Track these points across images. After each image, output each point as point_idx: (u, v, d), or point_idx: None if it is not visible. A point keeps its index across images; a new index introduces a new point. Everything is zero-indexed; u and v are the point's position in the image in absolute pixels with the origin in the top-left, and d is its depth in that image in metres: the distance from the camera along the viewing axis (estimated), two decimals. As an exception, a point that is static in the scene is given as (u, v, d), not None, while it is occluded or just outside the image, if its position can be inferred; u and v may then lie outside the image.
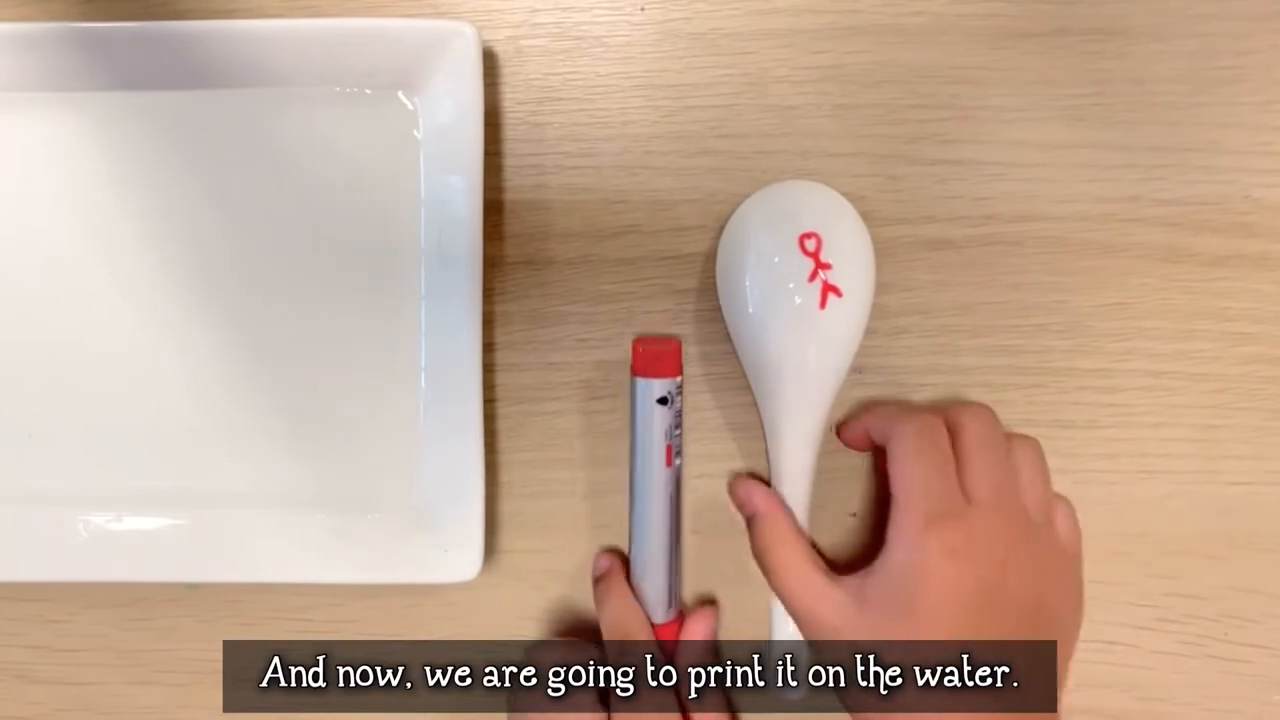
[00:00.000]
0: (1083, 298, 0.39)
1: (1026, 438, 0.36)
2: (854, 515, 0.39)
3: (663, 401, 0.36)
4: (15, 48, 0.36)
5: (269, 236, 0.38)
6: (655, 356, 0.36)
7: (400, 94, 0.37)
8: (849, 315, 0.36)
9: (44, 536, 0.38)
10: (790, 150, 0.38)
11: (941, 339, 0.39)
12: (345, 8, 0.38)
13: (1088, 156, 0.38)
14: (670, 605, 0.37)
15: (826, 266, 0.35)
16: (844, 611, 0.32)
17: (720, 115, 0.38)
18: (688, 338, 0.39)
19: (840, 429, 0.38)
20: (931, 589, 0.31)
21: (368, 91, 0.37)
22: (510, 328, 0.39)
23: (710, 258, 0.38)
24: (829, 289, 0.35)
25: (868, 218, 0.38)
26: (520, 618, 0.39)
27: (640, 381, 0.36)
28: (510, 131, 0.38)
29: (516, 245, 0.39)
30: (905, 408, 0.38)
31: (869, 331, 0.38)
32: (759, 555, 0.36)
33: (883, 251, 0.38)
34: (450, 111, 0.36)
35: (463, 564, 0.37)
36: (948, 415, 0.35)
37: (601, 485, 0.39)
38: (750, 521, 0.37)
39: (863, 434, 0.37)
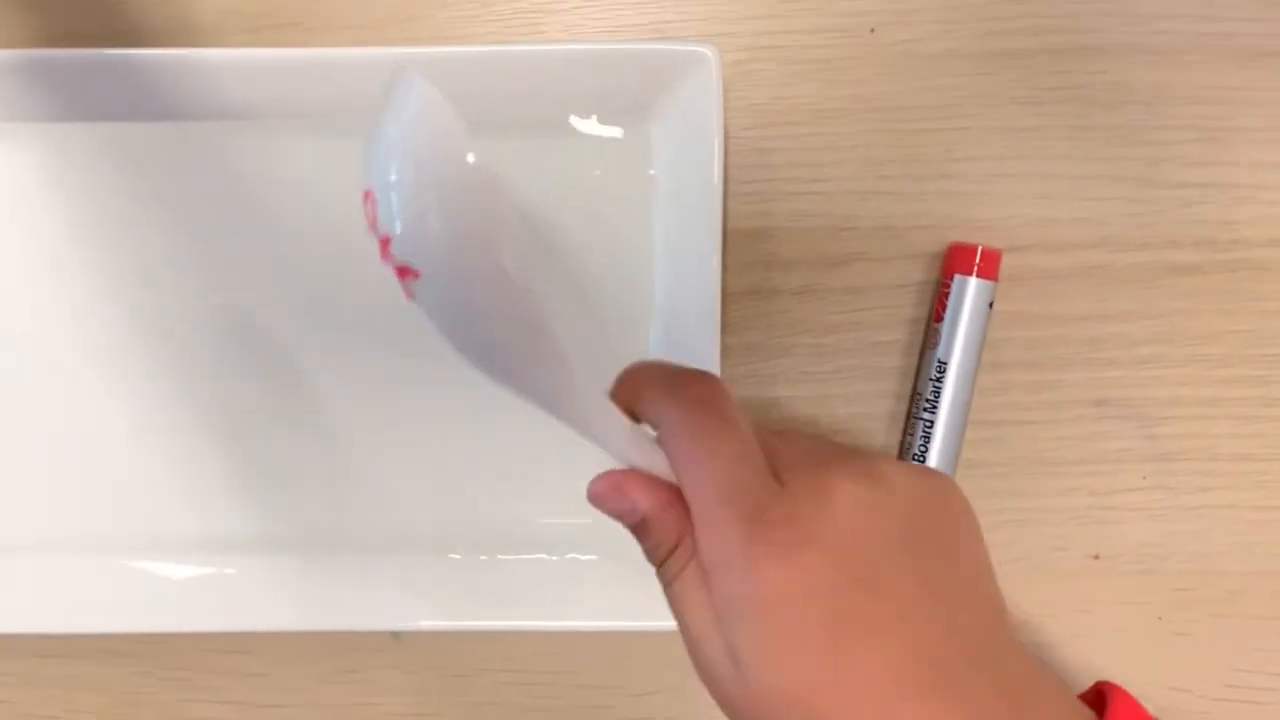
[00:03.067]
0: (1333, 325, 0.37)
1: None
2: (1097, 557, 0.37)
3: (990, 305, 0.36)
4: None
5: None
6: (988, 259, 0.35)
7: (633, 122, 0.35)
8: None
9: (260, 586, 0.36)
10: (1027, 173, 0.37)
11: (1188, 369, 0.37)
12: (557, 34, 0.37)
13: (1336, 177, 0.37)
14: None
15: (386, 240, 0.22)
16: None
17: (954, 139, 0.37)
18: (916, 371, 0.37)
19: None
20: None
21: (598, 120, 0.36)
22: (732, 361, 0.37)
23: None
24: (403, 275, 0.22)
25: (1107, 243, 0.36)
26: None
27: (977, 282, 0.35)
28: (734, 159, 0.37)
29: (738, 275, 0.37)
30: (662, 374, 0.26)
31: (1112, 363, 0.37)
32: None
33: (1125, 278, 0.37)
34: (687, 140, 0.34)
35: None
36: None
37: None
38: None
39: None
